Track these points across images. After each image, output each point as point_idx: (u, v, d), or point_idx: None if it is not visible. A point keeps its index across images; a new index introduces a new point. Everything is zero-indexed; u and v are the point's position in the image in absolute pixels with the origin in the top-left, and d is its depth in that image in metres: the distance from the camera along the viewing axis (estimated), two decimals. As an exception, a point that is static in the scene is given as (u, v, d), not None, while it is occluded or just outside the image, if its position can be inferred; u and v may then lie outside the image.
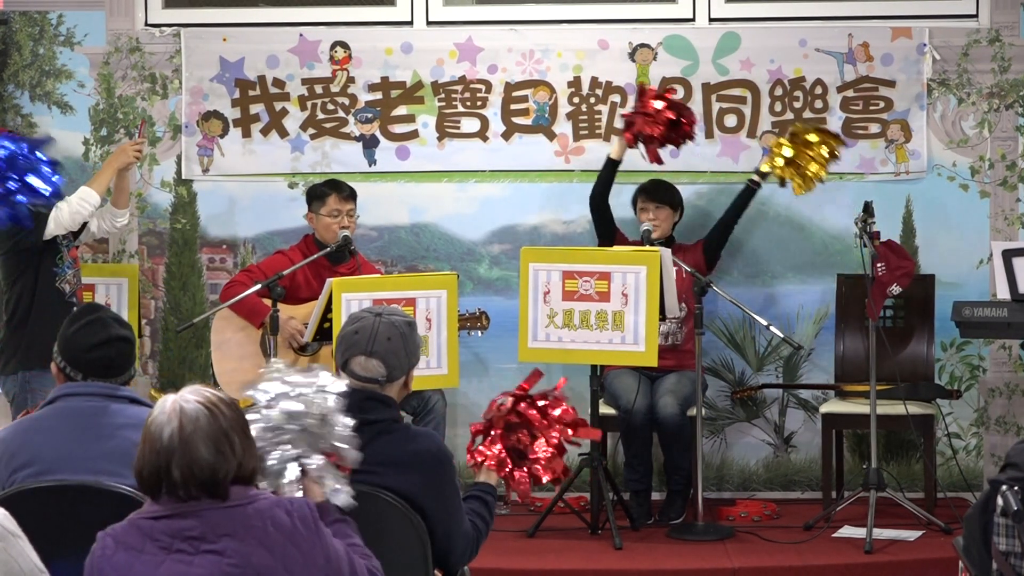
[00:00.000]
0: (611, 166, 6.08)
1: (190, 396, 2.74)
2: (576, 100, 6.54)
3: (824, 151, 5.91)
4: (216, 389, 2.80)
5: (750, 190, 6.12)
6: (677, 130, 5.90)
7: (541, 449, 3.62)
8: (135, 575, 2.68)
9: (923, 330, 6.32)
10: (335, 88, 6.58)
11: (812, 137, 5.92)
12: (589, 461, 5.76)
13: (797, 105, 6.48)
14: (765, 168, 6.02)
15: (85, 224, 5.70)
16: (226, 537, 2.68)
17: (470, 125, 6.56)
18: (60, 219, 5.48)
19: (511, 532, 5.83)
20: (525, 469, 3.62)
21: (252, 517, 2.70)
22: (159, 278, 6.63)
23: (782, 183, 5.99)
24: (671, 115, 5.86)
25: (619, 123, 6.27)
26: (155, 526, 2.70)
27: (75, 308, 5.48)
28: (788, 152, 5.92)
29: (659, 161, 5.96)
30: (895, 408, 5.87)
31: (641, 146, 5.94)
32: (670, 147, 6.02)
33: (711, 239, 6.19)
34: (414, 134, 6.57)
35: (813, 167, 5.91)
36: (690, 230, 6.31)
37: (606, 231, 6.13)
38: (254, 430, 2.85)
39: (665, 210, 6.11)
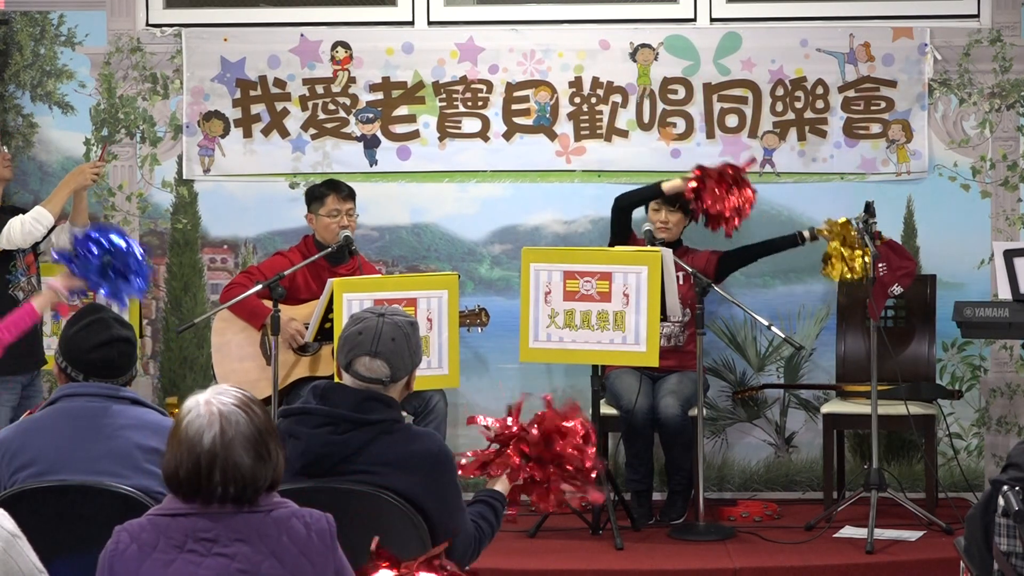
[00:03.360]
0: (654, 193, 6.07)
1: (225, 398, 2.70)
2: (577, 100, 6.54)
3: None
4: (244, 390, 2.77)
5: (794, 242, 6.12)
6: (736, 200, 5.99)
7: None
8: (144, 572, 2.67)
9: (924, 330, 6.32)
10: (336, 88, 6.58)
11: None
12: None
13: (798, 105, 6.47)
14: (822, 231, 6.02)
15: (48, 235, 5.67)
16: (239, 542, 2.67)
17: (471, 125, 6.56)
18: (12, 238, 5.44)
19: (512, 532, 5.81)
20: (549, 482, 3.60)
21: (268, 525, 2.69)
22: (160, 278, 6.63)
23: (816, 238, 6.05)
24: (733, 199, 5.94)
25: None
26: (171, 524, 2.69)
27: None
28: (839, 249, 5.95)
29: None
30: (896, 408, 5.87)
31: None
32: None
33: (731, 257, 6.17)
34: (415, 134, 6.57)
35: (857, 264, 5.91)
36: (689, 231, 6.30)
37: (623, 232, 6.11)
38: None
39: (677, 214, 6.11)
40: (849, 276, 5.84)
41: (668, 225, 6.09)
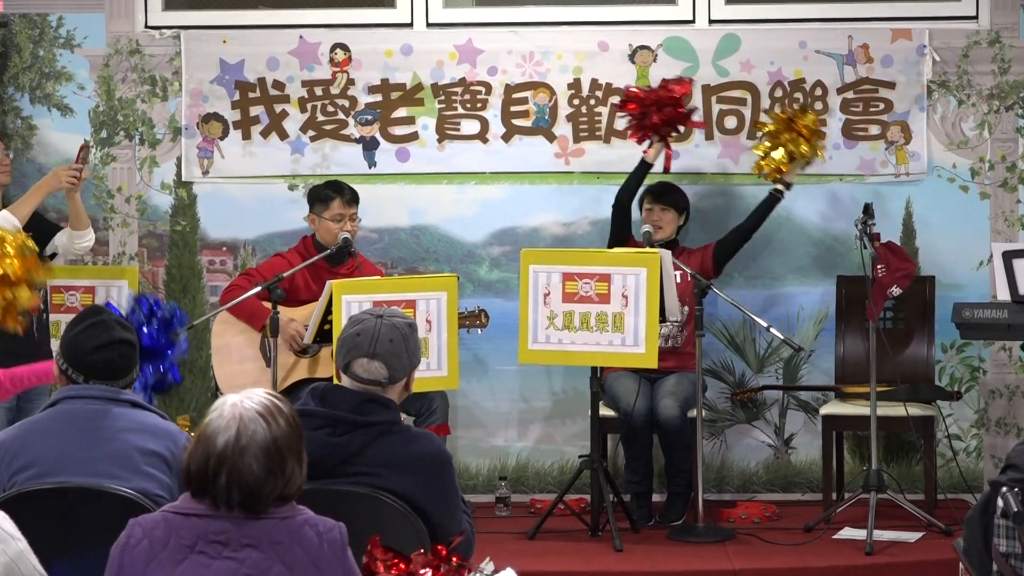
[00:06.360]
0: (643, 169, 6.11)
1: (251, 403, 2.69)
2: (576, 102, 6.54)
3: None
4: (278, 397, 2.76)
5: (773, 199, 6.12)
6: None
7: None
8: (152, 570, 2.66)
9: (923, 332, 6.32)
10: (335, 90, 6.58)
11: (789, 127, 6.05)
12: (589, 463, 5.76)
13: (797, 107, 6.47)
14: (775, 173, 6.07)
15: (51, 239, 5.65)
16: (249, 547, 2.65)
17: (470, 127, 6.56)
18: None
19: (511, 534, 5.83)
20: None
21: (280, 532, 2.68)
22: (159, 280, 6.63)
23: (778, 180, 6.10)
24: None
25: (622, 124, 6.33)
26: (184, 523, 2.68)
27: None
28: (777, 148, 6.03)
29: (669, 169, 6.13)
30: (895, 410, 5.87)
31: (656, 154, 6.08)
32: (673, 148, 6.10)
33: (724, 244, 6.18)
34: (414, 136, 6.57)
35: (803, 147, 6.00)
36: (690, 232, 6.31)
37: (621, 234, 6.13)
38: None
39: (670, 213, 6.12)
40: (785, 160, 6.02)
41: (661, 224, 6.08)
